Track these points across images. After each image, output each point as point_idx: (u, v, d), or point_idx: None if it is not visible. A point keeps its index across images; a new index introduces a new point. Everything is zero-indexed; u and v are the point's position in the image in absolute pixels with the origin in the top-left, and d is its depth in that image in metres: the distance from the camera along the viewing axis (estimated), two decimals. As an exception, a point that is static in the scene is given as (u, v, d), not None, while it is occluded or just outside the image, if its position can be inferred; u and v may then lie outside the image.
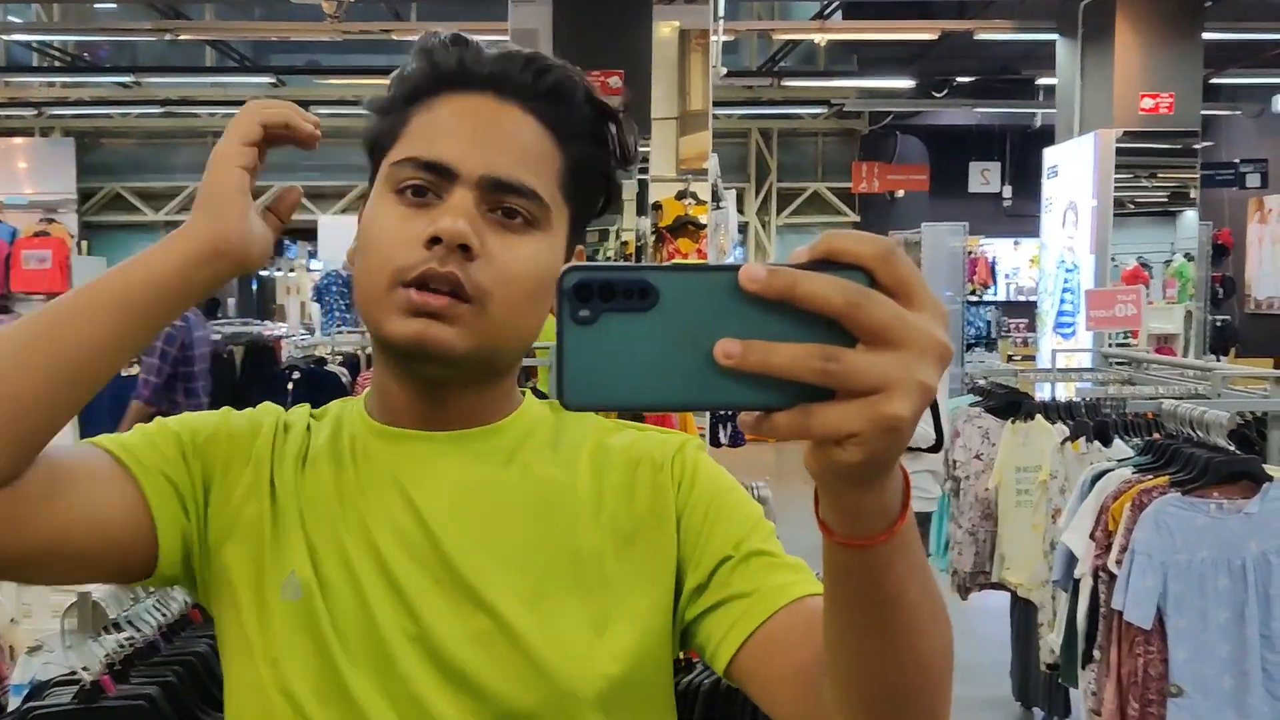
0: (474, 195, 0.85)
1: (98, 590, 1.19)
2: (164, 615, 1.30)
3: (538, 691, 0.85)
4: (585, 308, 0.52)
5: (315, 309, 10.67)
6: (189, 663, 1.27)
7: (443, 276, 0.83)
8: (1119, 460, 3.22)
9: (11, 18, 10.69)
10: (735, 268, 0.51)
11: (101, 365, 0.79)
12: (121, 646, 1.24)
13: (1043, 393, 4.72)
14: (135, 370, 6.86)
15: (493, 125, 0.86)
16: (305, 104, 10.57)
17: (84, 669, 1.17)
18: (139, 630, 1.27)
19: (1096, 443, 3.52)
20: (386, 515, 0.87)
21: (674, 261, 6.08)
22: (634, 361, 0.52)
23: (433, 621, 0.85)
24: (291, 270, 14.23)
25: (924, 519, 3.97)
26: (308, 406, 0.97)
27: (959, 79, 10.75)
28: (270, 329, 9.13)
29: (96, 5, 9.86)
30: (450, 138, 0.85)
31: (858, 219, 13.13)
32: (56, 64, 11.29)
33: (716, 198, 6.71)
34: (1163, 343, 9.66)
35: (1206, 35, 7.74)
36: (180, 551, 0.88)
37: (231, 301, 14.73)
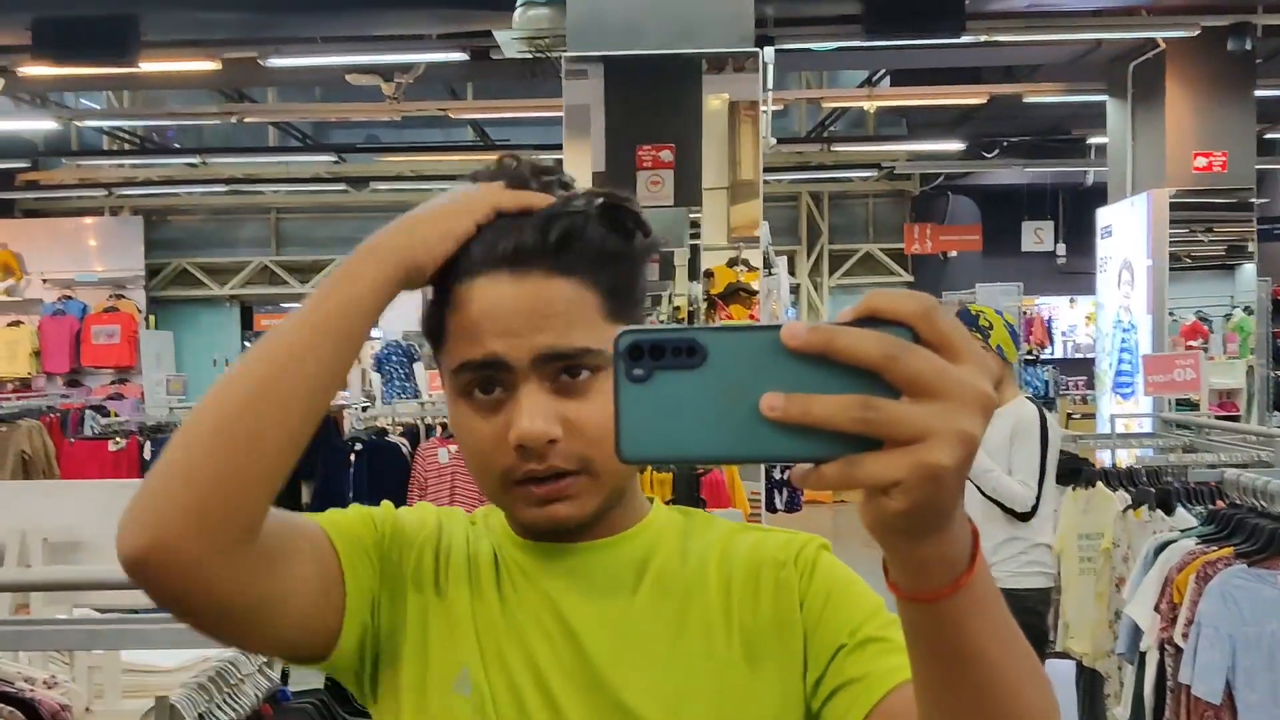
0: (535, 378, 0.86)
1: (175, 694, 1.25)
2: (235, 712, 1.35)
3: None
4: (638, 367, 0.55)
5: (376, 378, 10.82)
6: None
7: (545, 472, 0.86)
8: (1182, 530, 3.18)
9: (85, 101, 11.13)
10: (778, 326, 0.54)
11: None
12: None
13: (1103, 458, 4.68)
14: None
15: (522, 304, 0.86)
16: (364, 180, 10.81)
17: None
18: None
19: (1159, 511, 3.49)
20: (540, 627, 0.91)
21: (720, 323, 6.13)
22: (686, 416, 0.55)
23: None
24: (351, 340, 14.49)
25: (1045, 596, 3.80)
26: (461, 512, 1.00)
27: (1009, 139, 10.78)
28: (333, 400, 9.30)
29: (165, 91, 10.23)
30: (488, 330, 0.86)
31: (911, 279, 13.12)
32: (126, 146, 11.71)
33: (768, 264, 6.77)
34: (1225, 398, 9.48)
35: (1259, 93, 7.71)
36: (357, 643, 0.90)
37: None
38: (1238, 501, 3.05)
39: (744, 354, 0.55)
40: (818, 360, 0.53)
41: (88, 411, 8.76)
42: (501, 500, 0.90)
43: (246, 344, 14.32)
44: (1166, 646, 2.88)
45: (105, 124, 10.93)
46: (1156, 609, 2.93)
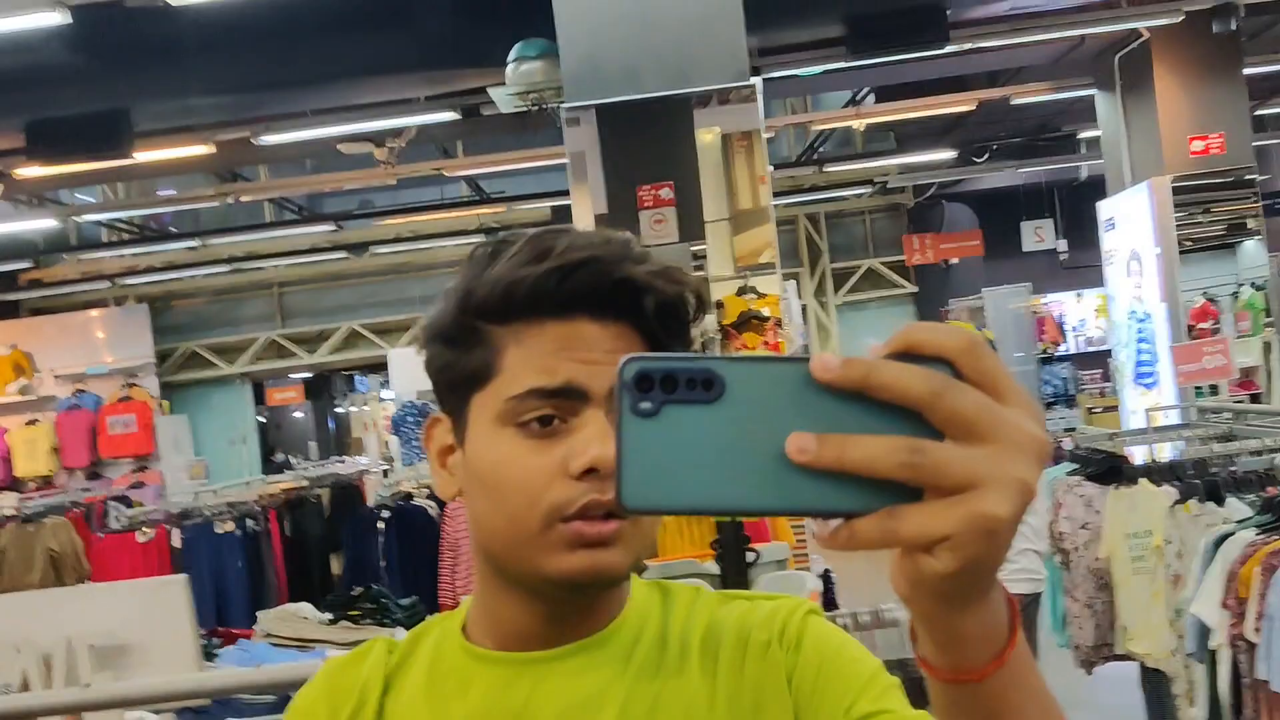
0: (604, 410, 0.81)
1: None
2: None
3: None
4: (646, 399, 0.48)
5: (394, 441, 10.81)
6: None
7: (606, 504, 0.80)
8: (1238, 521, 3.14)
9: (81, 196, 11.20)
10: (806, 358, 0.48)
11: None
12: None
13: (1135, 453, 4.63)
14: (230, 527, 7.01)
15: (601, 342, 0.82)
16: (363, 246, 10.80)
17: None
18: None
19: (1210, 503, 3.45)
20: None
21: (741, 352, 6.14)
22: (699, 459, 0.48)
23: None
24: (365, 405, 14.49)
25: (1035, 600, 3.89)
26: (382, 643, 0.94)
27: (999, 142, 10.80)
28: (351, 465, 9.29)
29: (160, 178, 10.30)
30: (567, 360, 0.81)
31: (915, 290, 13.10)
32: (125, 236, 11.76)
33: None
34: (1244, 377, 9.41)
35: (1248, 71, 7.72)
36: None
37: (313, 444, 15.00)
38: (1291, 487, 3.02)
39: (768, 388, 0.48)
40: (850, 397, 0.47)
41: (110, 503, 8.74)
42: (535, 545, 0.81)
43: (260, 419, 14.32)
44: (1238, 643, 2.84)
45: (104, 216, 10.99)
46: (1224, 605, 2.88)
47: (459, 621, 0.91)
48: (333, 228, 11.57)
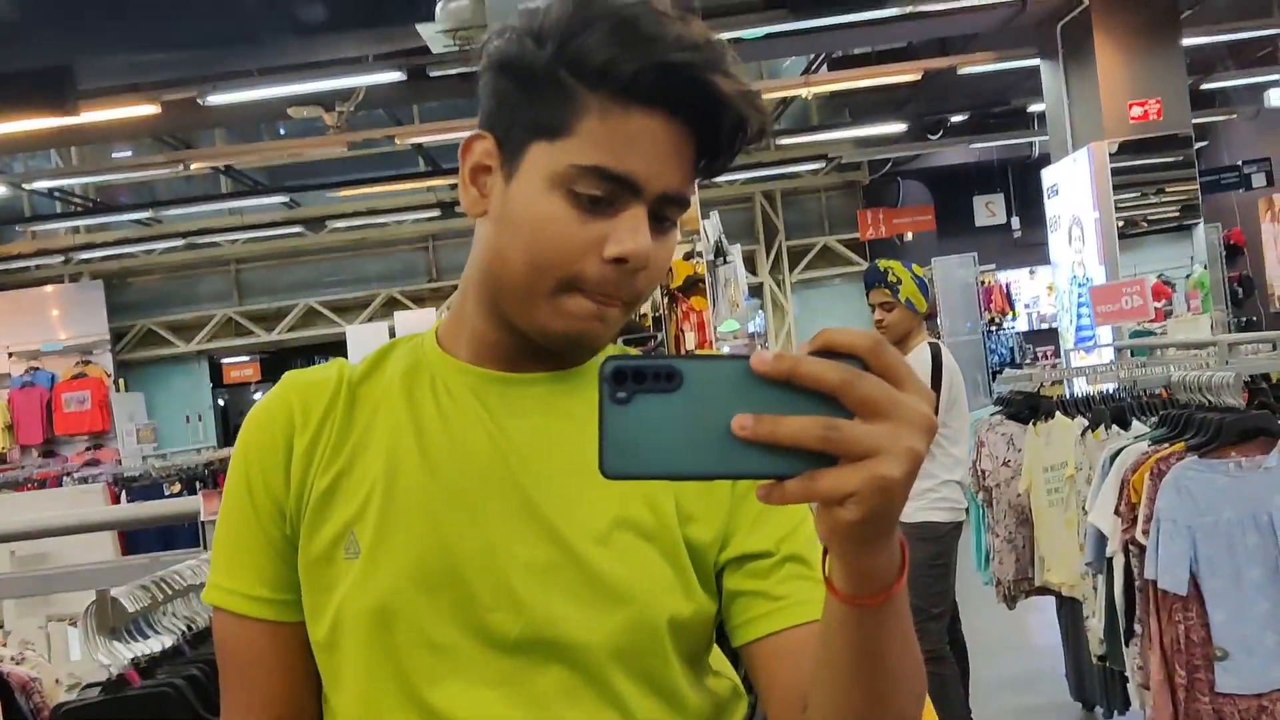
0: (646, 209, 0.88)
1: (117, 588, 1.27)
2: (191, 627, 1.36)
3: (607, 619, 0.90)
4: (621, 390, 0.61)
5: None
6: (215, 661, 1.34)
7: (620, 292, 0.90)
8: (1136, 437, 3.23)
9: (33, 165, 11.09)
10: (747, 357, 0.61)
11: None
12: (148, 651, 1.30)
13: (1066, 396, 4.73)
14: (177, 489, 7.00)
15: (668, 144, 0.87)
16: (320, 220, 10.69)
17: (108, 667, 1.24)
18: (163, 640, 1.33)
19: (1116, 428, 3.54)
20: (467, 446, 0.92)
21: (700, 353, 6.21)
22: (663, 437, 0.61)
23: (502, 548, 0.90)
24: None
25: (957, 528, 3.97)
26: (340, 364, 0.99)
27: (953, 119, 10.90)
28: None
29: (112, 146, 10.23)
30: (636, 153, 0.86)
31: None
32: (78, 209, 11.66)
33: (722, 253, 6.83)
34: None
35: (1186, 41, 7.85)
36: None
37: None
38: (1187, 403, 3.11)
39: (717, 379, 0.61)
40: (781, 385, 0.60)
41: (65, 478, 8.69)
42: (540, 301, 0.89)
43: (220, 401, 14.25)
44: (1130, 547, 2.92)
45: (55, 184, 10.89)
46: (1116, 512, 2.97)
47: (430, 337, 0.99)
48: (287, 200, 11.53)
